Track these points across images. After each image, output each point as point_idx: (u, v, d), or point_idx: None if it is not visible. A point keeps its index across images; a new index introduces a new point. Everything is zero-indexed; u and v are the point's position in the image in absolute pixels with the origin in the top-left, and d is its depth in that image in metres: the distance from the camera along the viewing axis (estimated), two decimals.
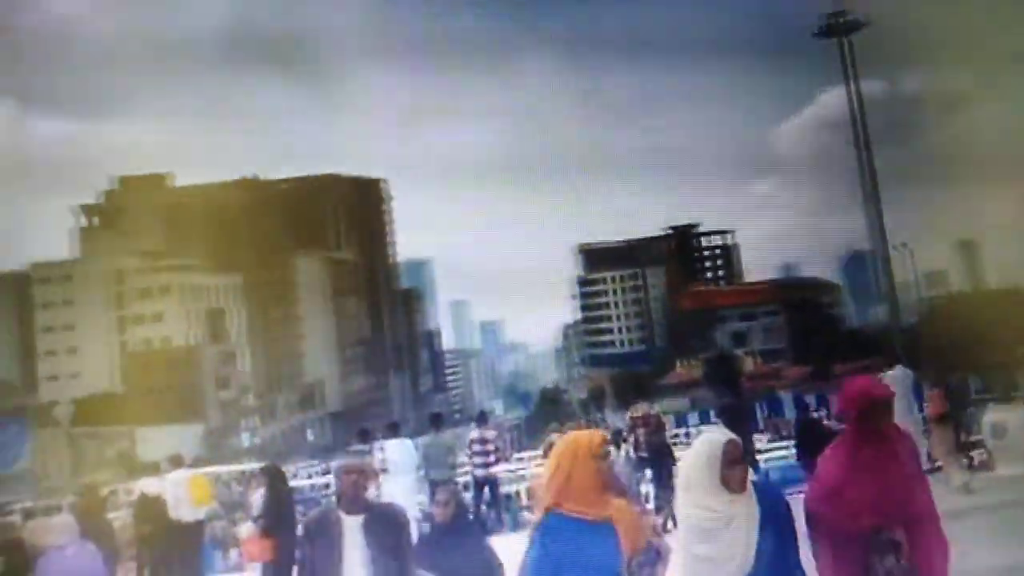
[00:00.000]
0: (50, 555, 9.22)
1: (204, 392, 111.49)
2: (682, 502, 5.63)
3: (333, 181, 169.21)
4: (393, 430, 17.90)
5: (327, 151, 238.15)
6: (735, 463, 5.46)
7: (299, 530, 7.32)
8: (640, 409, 17.66)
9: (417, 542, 7.77)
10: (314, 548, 6.65)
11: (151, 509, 16.14)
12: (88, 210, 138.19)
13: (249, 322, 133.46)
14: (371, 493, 7.19)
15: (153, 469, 17.61)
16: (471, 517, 10.26)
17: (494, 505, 17.72)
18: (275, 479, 13.14)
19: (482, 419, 18.71)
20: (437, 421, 19.34)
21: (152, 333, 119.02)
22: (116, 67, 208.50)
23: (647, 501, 16.90)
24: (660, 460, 17.70)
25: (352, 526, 6.65)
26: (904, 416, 14.65)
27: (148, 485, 16.75)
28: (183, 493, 16.05)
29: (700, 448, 5.54)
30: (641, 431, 17.49)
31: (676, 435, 28.58)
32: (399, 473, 16.20)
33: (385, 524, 6.72)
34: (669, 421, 18.81)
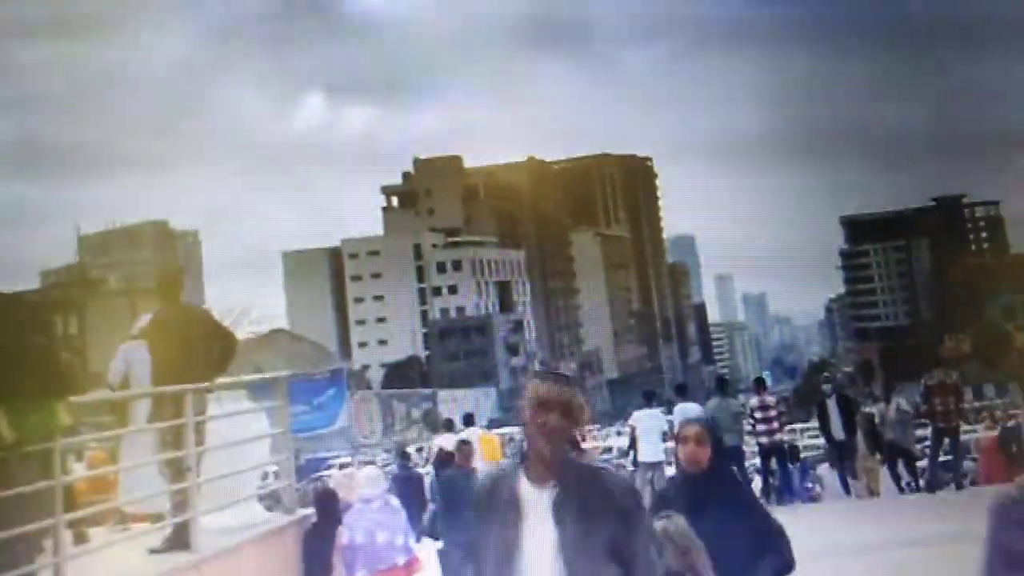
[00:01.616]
0: (357, 507, 8.80)
1: (496, 357, 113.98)
2: None
3: (604, 161, 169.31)
4: (681, 392, 16.84)
5: (601, 132, 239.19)
6: None
7: None
8: (936, 377, 15.69)
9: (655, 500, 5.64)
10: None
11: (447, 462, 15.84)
12: (389, 191, 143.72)
13: (533, 294, 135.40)
14: None
15: (448, 427, 17.32)
16: (734, 469, 7.79)
17: (783, 474, 16.26)
18: None
19: (761, 385, 16.98)
20: (723, 386, 18.03)
21: (449, 304, 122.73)
22: (415, 55, 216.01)
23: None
24: (955, 429, 15.82)
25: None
26: None
27: (444, 441, 16.48)
28: (475, 450, 15.61)
29: None
30: (938, 400, 15.56)
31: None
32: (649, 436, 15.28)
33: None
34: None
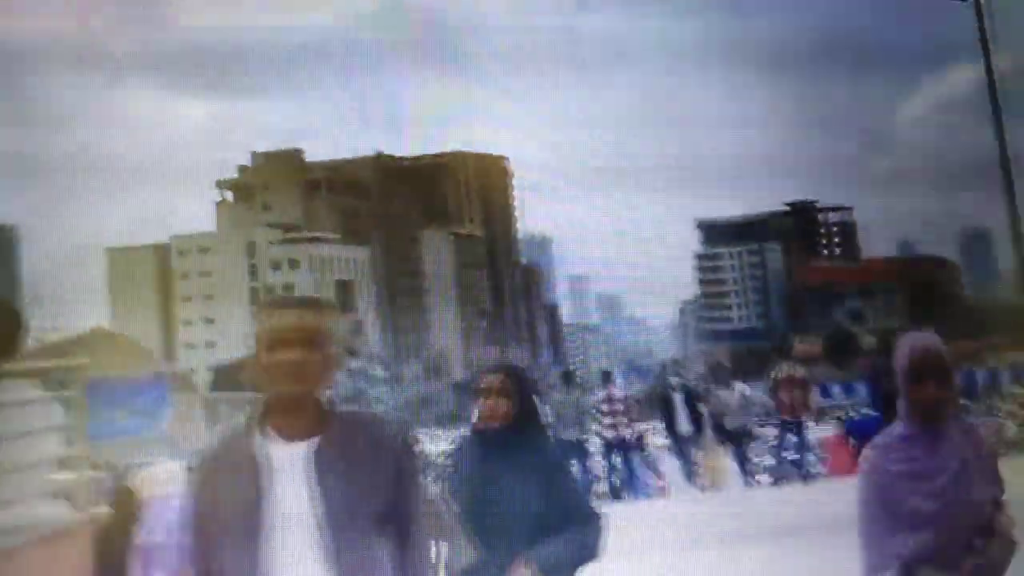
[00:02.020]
0: (157, 504, 8.31)
1: None
2: None
3: (458, 158, 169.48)
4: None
5: (456, 129, 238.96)
6: None
7: None
8: (784, 370, 16.07)
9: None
10: None
11: None
12: (223, 185, 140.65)
13: (377, 294, 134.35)
14: None
15: None
16: (544, 423, 6.30)
17: (627, 471, 16.33)
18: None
19: (608, 378, 17.05)
20: (568, 379, 18.04)
21: None
22: (258, 46, 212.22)
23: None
24: (801, 422, 16.24)
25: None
26: None
27: None
28: None
29: None
30: (784, 393, 15.94)
31: None
32: None
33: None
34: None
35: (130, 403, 78.88)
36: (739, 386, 15.47)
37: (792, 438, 15.90)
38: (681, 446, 15.66)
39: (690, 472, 15.60)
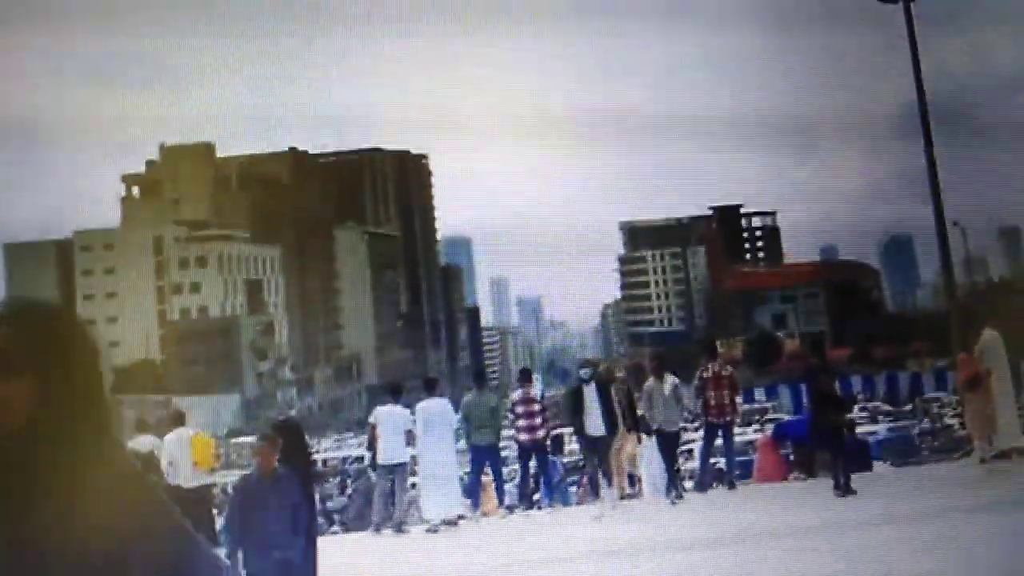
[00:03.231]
0: None
1: (242, 363, 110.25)
2: None
3: (375, 156, 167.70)
4: (429, 387, 15.22)
5: (374, 124, 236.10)
6: None
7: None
8: (711, 369, 15.17)
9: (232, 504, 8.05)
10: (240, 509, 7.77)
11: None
12: (130, 180, 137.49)
13: (287, 294, 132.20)
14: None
15: (145, 427, 15.27)
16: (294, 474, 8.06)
17: (543, 475, 15.32)
18: (291, 435, 10.75)
19: (525, 377, 15.89)
20: (480, 379, 17.00)
21: (190, 303, 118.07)
22: (164, 34, 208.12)
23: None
24: (730, 424, 15.38)
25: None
26: None
27: (141, 443, 14.45)
28: (182, 454, 13.82)
29: None
30: (712, 393, 15.06)
31: None
32: (390, 435, 13.87)
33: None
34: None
35: None
36: (670, 378, 14.36)
37: (718, 442, 15.10)
38: (592, 449, 13.87)
39: (595, 482, 14.03)
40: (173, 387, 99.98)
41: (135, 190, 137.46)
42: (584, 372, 14.00)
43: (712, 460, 16.00)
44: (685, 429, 16.04)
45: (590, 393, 13.36)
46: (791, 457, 15.71)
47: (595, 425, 13.25)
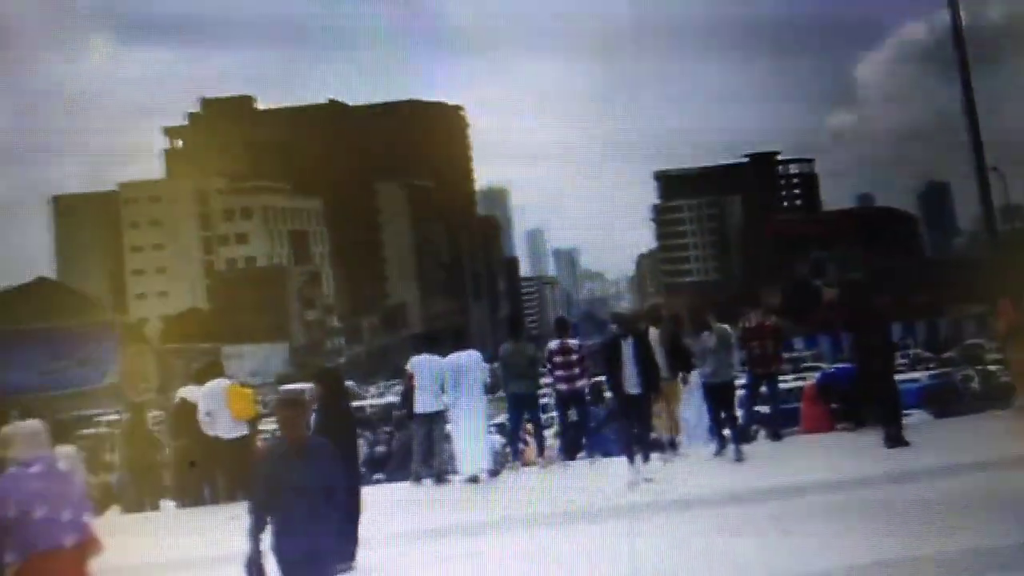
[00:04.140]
0: (11, 472, 6.74)
1: (289, 312, 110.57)
2: None
3: (413, 108, 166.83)
4: (459, 338, 14.78)
5: (412, 78, 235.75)
6: None
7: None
8: (754, 319, 14.55)
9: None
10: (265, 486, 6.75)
11: (190, 420, 13.67)
12: (173, 133, 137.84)
13: (332, 245, 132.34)
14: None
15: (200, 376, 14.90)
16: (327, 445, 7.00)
17: (582, 426, 14.88)
18: (331, 382, 10.35)
19: (562, 327, 15.34)
20: (516, 329, 16.55)
21: (236, 253, 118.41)
22: None
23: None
24: (774, 374, 14.79)
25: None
26: None
27: (189, 392, 14.25)
28: (219, 405, 13.49)
29: None
30: (756, 343, 14.47)
31: None
32: (427, 384, 13.54)
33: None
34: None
35: (73, 354, 76.34)
36: (717, 326, 13.68)
37: (764, 392, 14.56)
38: (625, 411, 12.80)
39: (630, 447, 13.03)
40: (222, 336, 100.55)
41: (178, 142, 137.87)
42: (616, 328, 13.04)
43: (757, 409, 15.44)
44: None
45: (627, 348, 12.59)
46: (833, 407, 15.15)
47: (632, 382, 12.51)
